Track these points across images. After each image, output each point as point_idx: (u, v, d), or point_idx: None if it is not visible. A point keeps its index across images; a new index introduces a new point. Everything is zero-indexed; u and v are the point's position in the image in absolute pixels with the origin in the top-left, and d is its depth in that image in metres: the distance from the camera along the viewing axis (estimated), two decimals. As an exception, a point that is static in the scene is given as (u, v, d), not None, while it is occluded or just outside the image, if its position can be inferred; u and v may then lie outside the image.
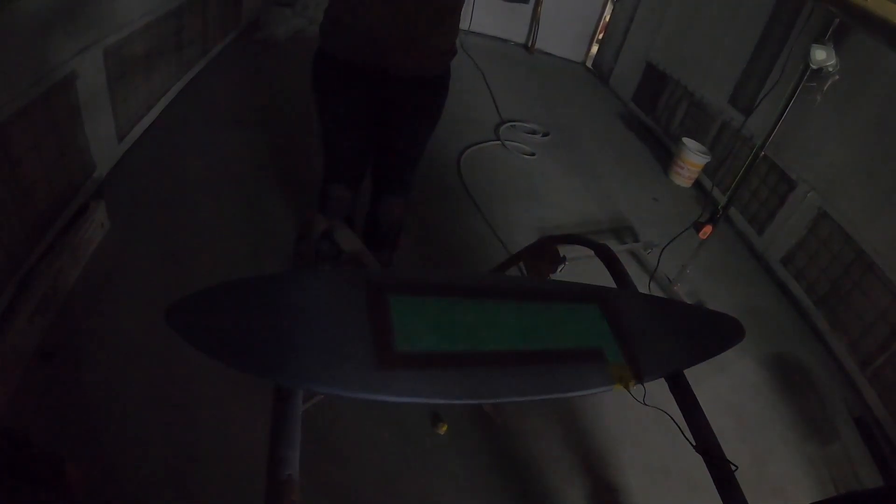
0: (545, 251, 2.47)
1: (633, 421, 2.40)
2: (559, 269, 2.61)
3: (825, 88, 2.67)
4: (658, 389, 1.48)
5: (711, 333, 1.69)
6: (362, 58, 2.01)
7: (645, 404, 1.37)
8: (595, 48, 6.56)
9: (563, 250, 2.64)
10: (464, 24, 6.11)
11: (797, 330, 3.35)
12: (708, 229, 3.05)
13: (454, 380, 1.23)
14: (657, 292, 3.26)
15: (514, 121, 4.75)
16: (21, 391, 1.92)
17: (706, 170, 4.42)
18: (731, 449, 1.49)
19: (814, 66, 2.56)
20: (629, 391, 1.38)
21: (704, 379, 2.52)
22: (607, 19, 6.33)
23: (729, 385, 2.81)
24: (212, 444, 1.96)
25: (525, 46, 6.55)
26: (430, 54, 2.07)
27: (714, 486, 1.33)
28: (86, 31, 2.47)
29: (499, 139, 4.45)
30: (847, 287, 3.13)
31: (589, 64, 6.59)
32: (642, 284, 3.16)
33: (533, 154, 4.38)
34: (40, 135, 2.23)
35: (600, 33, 6.47)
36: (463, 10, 2.10)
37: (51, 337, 2.12)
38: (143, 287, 2.40)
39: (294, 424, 1.07)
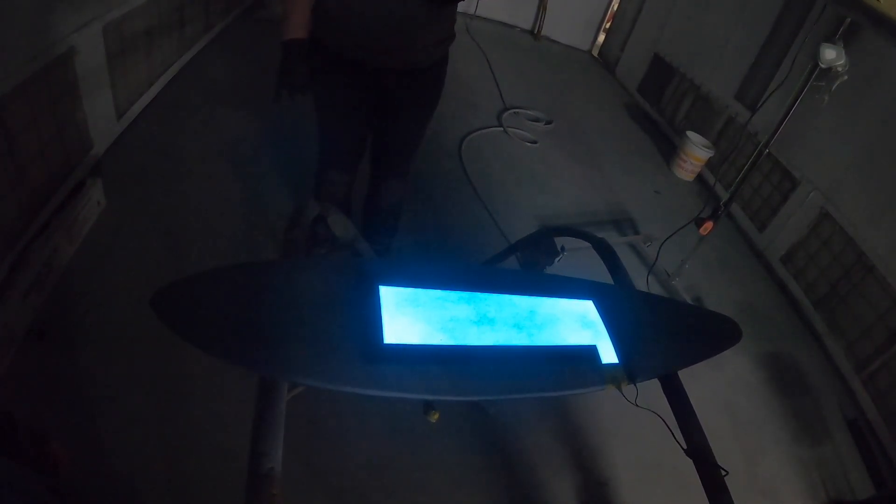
0: (543, 242, 2.45)
1: (627, 417, 2.35)
2: (556, 260, 2.60)
3: (833, 88, 2.64)
4: (652, 388, 1.47)
5: (707, 334, 1.68)
6: (355, 52, 1.96)
7: (637, 405, 1.35)
8: (602, 37, 6.48)
9: (561, 241, 2.63)
10: (470, 8, 6.05)
11: (794, 330, 3.35)
12: (709, 225, 3.03)
13: (443, 375, 1.21)
14: (655, 286, 3.25)
15: (517, 107, 4.70)
16: (13, 369, 1.91)
17: (709, 164, 4.39)
18: (724, 447, 1.49)
19: (823, 66, 2.53)
20: (621, 391, 1.36)
21: (700, 375, 2.52)
22: (615, 8, 6.25)
23: (724, 382, 2.81)
24: (204, 428, 1.96)
25: (531, 33, 6.46)
26: (426, 45, 2.01)
27: (704, 485, 1.33)
28: (86, 6, 2.42)
29: (501, 126, 4.41)
30: (846, 289, 3.12)
31: (595, 53, 6.52)
32: (640, 278, 3.15)
33: (535, 142, 4.34)
34: (37, 111, 2.20)
35: (608, 22, 6.39)
36: None
37: (44, 315, 2.11)
38: (138, 266, 2.39)
39: (277, 418, 1.06)
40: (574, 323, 1.46)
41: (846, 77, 2.60)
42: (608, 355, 1.40)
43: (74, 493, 1.60)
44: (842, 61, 2.52)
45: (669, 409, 1.49)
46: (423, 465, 2.09)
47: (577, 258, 2.74)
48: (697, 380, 2.29)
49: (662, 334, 1.57)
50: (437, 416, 2.21)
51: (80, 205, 2.41)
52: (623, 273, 1.87)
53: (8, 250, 2.09)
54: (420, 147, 2.42)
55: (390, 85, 2.09)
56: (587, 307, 1.52)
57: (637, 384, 1.38)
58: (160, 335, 2.04)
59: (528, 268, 2.48)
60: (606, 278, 1.87)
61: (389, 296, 1.30)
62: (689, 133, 4.43)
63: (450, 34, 2.10)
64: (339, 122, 2.21)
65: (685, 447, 1.39)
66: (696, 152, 4.34)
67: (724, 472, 1.33)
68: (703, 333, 1.68)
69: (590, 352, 1.39)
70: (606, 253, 1.96)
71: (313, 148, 2.42)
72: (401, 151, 2.39)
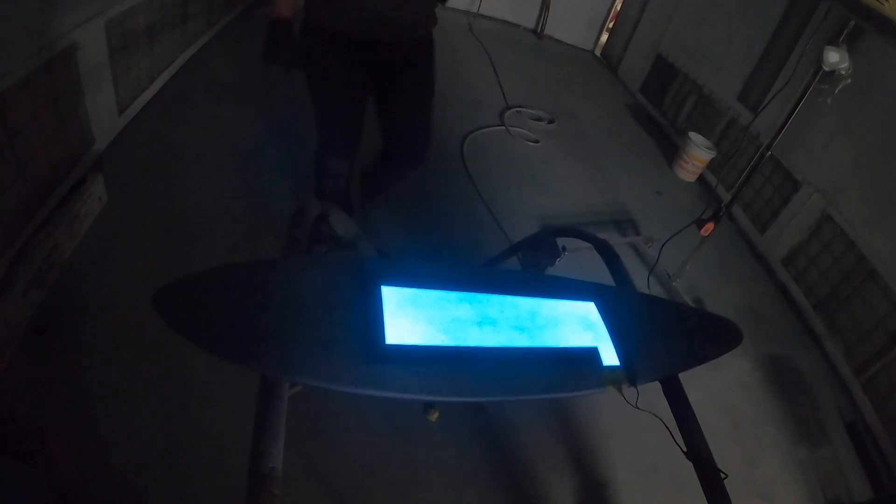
0: (544, 242, 2.45)
1: (627, 418, 2.37)
2: (557, 261, 2.60)
3: (836, 91, 2.64)
4: (652, 389, 1.47)
5: (708, 337, 1.68)
6: (346, 27, 2.07)
7: (637, 408, 1.35)
8: (605, 37, 6.48)
9: (563, 241, 2.63)
10: (473, 7, 6.05)
11: (794, 332, 3.34)
12: (710, 226, 3.03)
13: (444, 376, 1.22)
14: (656, 287, 3.25)
15: (519, 107, 4.70)
16: (13, 364, 1.91)
17: (711, 166, 4.39)
18: (722, 450, 1.49)
19: (826, 68, 2.53)
20: (622, 394, 1.37)
21: (699, 377, 2.51)
22: (618, 8, 6.25)
23: (723, 384, 2.81)
24: (205, 426, 1.95)
25: (534, 32, 6.46)
26: (409, 23, 2.13)
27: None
28: (88, 1, 2.43)
29: (503, 125, 4.40)
30: (847, 292, 3.12)
31: (598, 52, 6.52)
32: (641, 279, 3.15)
33: (537, 141, 4.34)
34: (39, 106, 2.19)
35: (611, 22, 6.39)
36: None
37: (45, 311, 2.11)
38: (139, 263, 2.38)
39: (278, 417, 1.06)
40: (575, 324, 1.47)
41: (849, 80, 2.60)
42: (609, 357, 1.41)
43: (74, 490, 1.59)
44: (845, 64, 2.51)
45: (669, 411, 1.49)
46: (423, 465, 2.09)
47: (578, 258, 2.74)
48: (697, 381, 2.29)
49: (663, 337, 1.57)
50: (436, 415, 2.21)
51: (82, 200, 2.40)
52: (624, 274, 1.87)
53: (9, 246, 2.09)
54: (430, 133, 2.44)
55: (380, 62, 2.19)
56: (589, 309, 1.52)
57: (637, 386, 1.38)
58: (161, 333, 2.04)
59: (529, 268, 2.48)
60: (607, 278, 1.88)
61: (391, 296, 1.30)
62: (691, 134, 4.43)
63: (431, 14, 2.23)
64: (335, 100, 2.26)
65: (685, 450, 1.40)
66: (698, 153, 4.34)
67: (723, 476, 1.33)
68: (704, 336, 1.69)
69: (591, 354, 1.39)
70: (608, 254, 1.96)
71: (315, 145, 2.43)
72: (413, 139, 2.42)
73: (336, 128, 2.34)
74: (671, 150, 4.74)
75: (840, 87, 2.63)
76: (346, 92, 2.24)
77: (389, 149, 2.47)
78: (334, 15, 2.06)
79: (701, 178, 4.49)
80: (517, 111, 4.65)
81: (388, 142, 2.45)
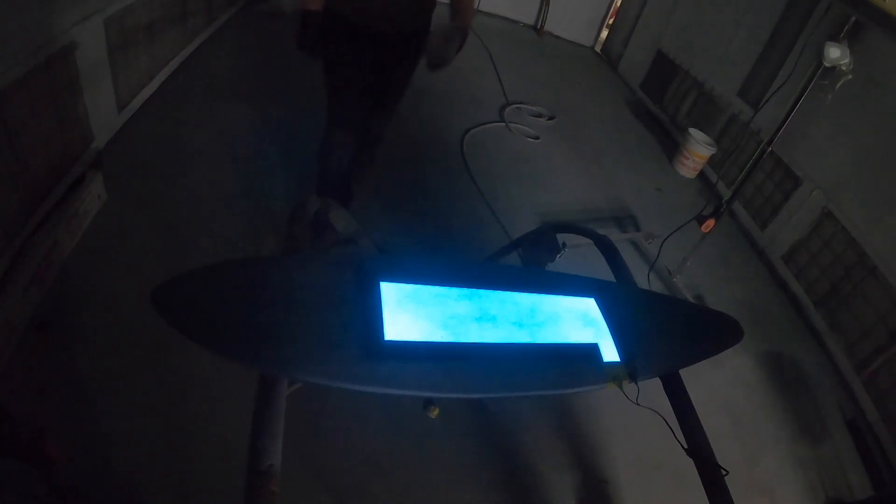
0: (544, 238, 2.45)
1: (627, 415, 2.36)
2: (558, 257, 2.60)
3: (837, 87, 2.63)
4: (653, 386, 1.46)
5: (709, 333, 1.67)
6: (361, 19, 2.30)
7: (638, 404, 1.35)
8: (605, 33, 6.48)
9: (563, 237, 2.63)
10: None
11: (795, 329, 3.34)
12: (711, 223, 3.02)
13: (443, 372, 1.21)
14: (656, 284, 3.24)
15: (519, 103, 4.69)
16: (12, 363, 1.90)
17: (712, 162, 4.38)
18: (723, 447, 1.48)
19: (827, 64, 2.52)
20: (622, 390, 1.36)
21: (700, 374, 2.52)
22: (618, 4, 6.24)
23: (724, 381, 2.81)
24: (204, 423, 1.95)
25: (534, 28, 6.45)
26: (412, 20, 2.39)
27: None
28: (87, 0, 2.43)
29: (503, 121, 4.39)
30: (847, 289, 3.12)
31: (598, 49, 6.51)
32: (642, 275, 3.15)
33: (537, 137, 4.33)
34: (38, 104, 2.19)
35: (611, 18, 6.38)
36: None
37: (44, 309, 2.10)
38: (138, 261, 2.38)
39: (277, 414, 1.06)
40: (576, 321, 1.46)
41: (850, 76, 2.59)
42: (610, 353, 1.40)
43: (74, 490, 1.59)
44: (846, 60, 2.51)
45: (670, 407, 1.48)
46: (423, 462, 2.09)
47: (578, 255, 2.74)
48: (698, 378, 2.28)
49: (664, 333, 1.57)
50: (436, 411, 2.21)
51: (81, 198, 2.40)
52: (625, 270, 1.87)
53: (8, 244, 2.08)
54: (405, 93, 2.74)
55: (386, 46, 2.42)
56: (589, 305, 1.52)
57: (638, 383, 1.38)
58: (160, 331, 2.03)
59: (529, 264, 2.48)
60: (608, 275, 1.87)
61: (391, 292, 1.30)
62: (692, 130, 4.42)
63: (431, 6, 2.45)
64: (346, 78, 2.45)
65: (686, 447, 1.39)
66: (699, 149, 4.33)
67: (724, 473, 1.33)
68: (705, 332, 1.68)
69: (591, 350, 1.38)
70: (608, 250, 1.96)
71: (314, 142, 2.42)
72: (393, 99, 2.73)
73: (345, 102, 2.49)
74: (671, 147, 4.73)
75: (841, 82, 2.63)
76: (355, 71, 2.43)
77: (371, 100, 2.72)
78: (353, 11, 2.28)
79: (701, 175, 4.49)
80: (517, 108, 4.64)
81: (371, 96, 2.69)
